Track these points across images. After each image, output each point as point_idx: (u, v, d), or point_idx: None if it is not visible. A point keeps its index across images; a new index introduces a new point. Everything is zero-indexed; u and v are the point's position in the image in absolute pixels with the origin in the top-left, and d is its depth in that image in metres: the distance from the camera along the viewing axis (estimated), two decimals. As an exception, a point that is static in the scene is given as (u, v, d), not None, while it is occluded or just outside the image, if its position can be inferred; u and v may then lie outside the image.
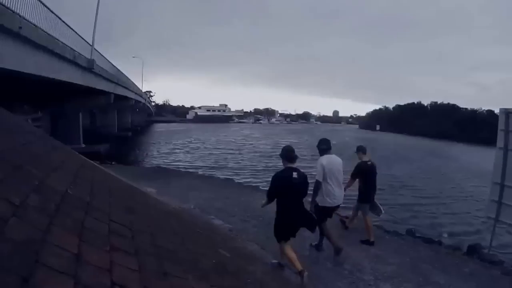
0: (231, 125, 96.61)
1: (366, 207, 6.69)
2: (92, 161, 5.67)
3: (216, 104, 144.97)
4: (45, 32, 13.64)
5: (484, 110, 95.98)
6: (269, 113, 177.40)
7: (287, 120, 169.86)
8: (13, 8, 10.81)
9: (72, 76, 17.98)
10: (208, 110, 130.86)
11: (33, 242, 1.35)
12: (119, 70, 32.84)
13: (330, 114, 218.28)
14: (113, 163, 17.28)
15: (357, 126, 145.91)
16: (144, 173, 13.89)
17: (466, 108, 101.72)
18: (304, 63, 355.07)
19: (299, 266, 4.32)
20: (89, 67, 19.99)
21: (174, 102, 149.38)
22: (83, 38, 19.93)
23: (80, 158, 4.22)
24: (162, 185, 9.65)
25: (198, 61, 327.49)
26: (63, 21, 16.15)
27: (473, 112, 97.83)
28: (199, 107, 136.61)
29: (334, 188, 5.48)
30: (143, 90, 69.84)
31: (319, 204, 5.48)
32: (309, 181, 4.70)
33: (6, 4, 10.31)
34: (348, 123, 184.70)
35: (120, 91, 32.37)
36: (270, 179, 4.70)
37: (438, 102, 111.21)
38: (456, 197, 14.23)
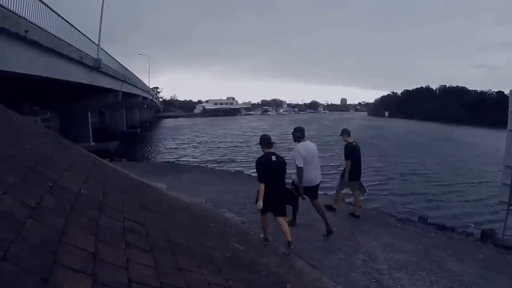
0: (238, 118, 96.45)
1: (353, 184, 7.14)
2: (102, 159, 5.74)
3: (223, 97, 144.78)
4: (52, 34, 13.75)
5: (493, 92, 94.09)
6: (276, 104, 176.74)
7: (294, 110, 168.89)
8: (19, 13, 10.91)
9: (79, 76, 18.13)
10: (215, 104, 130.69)
11: (50, 243, 1.37)
12: (125, 68, 32.95)
13: (338, 102, 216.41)
14: (122, 160, 17.42)
15: (365, 113, 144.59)
16: (153, 169, 13.97)
17: (475, 91, 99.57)
18: (310, 53, 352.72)
19: (267, 235, 5.25)
20: (96, 67, 20.12)
21: (181, 97, 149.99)
22: (89, 38, 20.03)
23: (91, 157, 4.26)
24: (173, 180, 9.71)
25: (204, 55, 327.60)
26: (69, 23, 16.28)
27: (482, 94, 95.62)
28: (207, 101, 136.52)
29: (309, 171, 5.80)
30: (150, 87, 70.06)
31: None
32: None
33: (12, 9, 10.42)
34: (356, 110, 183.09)
35: (128, 88, 32.51)
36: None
37: (447, 86, 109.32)
38: (470, 182, 14.05)
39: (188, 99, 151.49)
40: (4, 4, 9.95)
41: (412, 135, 37.97)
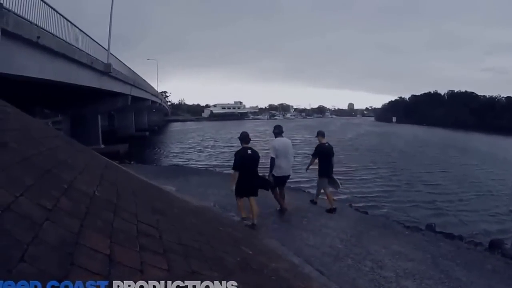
0: (246, 122, 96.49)
1: (325, 181, 7.93)
2: (113, 161, 5.81)
3: (231, 101, 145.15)
4: (63, 40, 14.04)
5: (502, 97, 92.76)
6: (284, 108, 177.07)
7: (302, 114, 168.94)
8: (31, 19, 11.17)
9: (90, 80, 18.41)
10: (223, 108, 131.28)
11: (67, 245, 1.40)
12: (135, 72, 33.28)
13: (345, 107, 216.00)
14: (132, 162, 17.55)
15: (373, 118, 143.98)
16: (162, 171, 14.03)
17: (484, 96, 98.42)
18: (317, 56, 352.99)
19: (244, 214, 6.35)
20: (106, 71, 20.41)
21: (189, 101, 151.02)
22: (99, 44, 20.39)
23: (103, 160, 4.31)
24: (181, 183, 9.74)
25: (212, 59, 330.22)
26: (79, 29, 16.64)
27: (491, 99, 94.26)
28: (214, 105, 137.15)
29: (282, 163, 7.00)
30: (159, 91, 70.60)
31: (273, 174, 7.04)
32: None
33: (24, 15, 10.67)
34: (364, 115, 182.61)
35: (137, 92, 32.83)
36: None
37: (455, 91, 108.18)
38: (479, 192, 13.82)
39: (196, 103, 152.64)
40: (16, 11, 10.18)
41: (422, 143, 37.27)
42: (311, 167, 8.32)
